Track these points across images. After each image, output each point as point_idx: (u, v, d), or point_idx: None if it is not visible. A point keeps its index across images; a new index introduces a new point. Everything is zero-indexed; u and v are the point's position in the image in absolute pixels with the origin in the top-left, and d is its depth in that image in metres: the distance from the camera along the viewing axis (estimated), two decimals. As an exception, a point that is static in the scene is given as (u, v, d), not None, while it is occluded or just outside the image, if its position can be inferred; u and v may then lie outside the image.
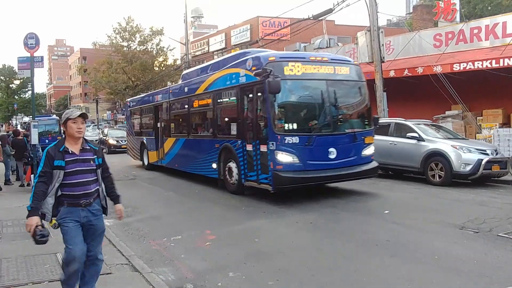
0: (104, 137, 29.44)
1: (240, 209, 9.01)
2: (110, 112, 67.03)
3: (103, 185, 4.00)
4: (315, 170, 8.91)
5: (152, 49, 45.66)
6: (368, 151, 9.76)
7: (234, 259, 5.78)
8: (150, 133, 16.89)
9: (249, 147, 9.57)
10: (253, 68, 9.29)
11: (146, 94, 21.28)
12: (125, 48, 44.94)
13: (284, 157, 8.65)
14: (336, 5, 16.38)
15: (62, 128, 3.93)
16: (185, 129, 13.67)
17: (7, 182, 12.79)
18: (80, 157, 3.80)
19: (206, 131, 12.28)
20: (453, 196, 9.38)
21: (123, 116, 60.16)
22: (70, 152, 3.76)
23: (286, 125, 8.90)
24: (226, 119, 11.20)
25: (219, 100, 11.34)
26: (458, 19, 18.03)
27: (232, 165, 10.30)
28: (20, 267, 5.28)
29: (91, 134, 35.66)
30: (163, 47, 45.50)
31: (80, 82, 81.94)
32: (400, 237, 6.45)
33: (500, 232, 6.40)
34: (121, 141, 26.81)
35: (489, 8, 27.36)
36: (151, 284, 4.69)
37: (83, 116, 3.88)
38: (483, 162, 10.53)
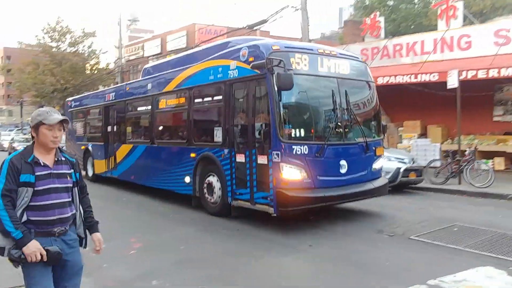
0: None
1: (240, 239, 6.92)
2: (36, 115, 63.04)
3: (80, 209, 3.13)
4: (326, 188, 7.17)
5: (83, 51, 43.82)
6: (379, 164, 8.24)
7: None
8: (97, 138, 14.25)
9: (240, 158, 7.65)
10: (250, 59, 7.38)
11: (92, 92, 18.55)
12: (54, 49, 42.73)
13: (291, 172, 6.82)
14: (270, 16, 16.95)
15: (31, 132, 2.92)
16: (146, 135, 11.29)
17: None
18: (54, 171, 2.89)
19: (177, 137, 10.04)
20: (375, 202, 9.85)
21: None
22: (42, 164, 2.84)
23: (294, 131, 7.07)
24: (207, 122, 9.18)
25: (197, 99, 9.23)
26: (382, 35, 18.92)
27: (213, 179, 8.26)
28: None
29: (19, 139, 31.25)
30: (95, 50, 43.94)
31: (2, 83, 76.67)
32: (321, 240, 6.68)
33: (412, 235, 6.76)
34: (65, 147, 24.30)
35: (412, 27, 29.37)
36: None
37: (64, 122, 2.95)
38: (401, 170, 11.03)
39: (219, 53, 8.59)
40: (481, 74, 12.92)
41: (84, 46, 42.69)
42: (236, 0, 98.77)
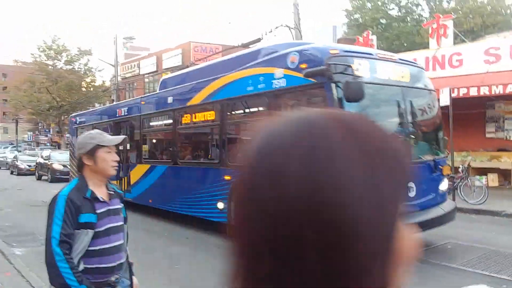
0: (46, 161, 22.96)
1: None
2: (31, 133, 63.03)
3: (127, 250, 2.58)
4: None
5: (79, 69, 43.96)
6: (445, 185, 7.22)
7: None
8: None
9: None
10: (302, 66, 6.30)
11: (102, 107, 17.57)
12: (50, 67, 42.89)
13: None
14: (264, 35, 17.18)
15: (83, 160, 2.35)
16: (167, 154, 10.04)
17: None
18: (112, 207, 2.38)
19: (206, 157, 8.88)
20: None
21: (46, 138, 57.02)
22: (101, 199, 2.33)
23: None
24: (246, 140, 8.86)
25: (231, 113, 8.08)
26: (375, 53, 19.34)
27: None
28: None
29: (24, 158, 28.76)
30: (91, 68, 44.15)
31: (-2, 101, 76.58)
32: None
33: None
34: (69, 166, 21.12)
35: (405, 44, 29.76)
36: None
37: (123, 143, 2.54)
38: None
39: (258, 60, 7.43)
40: (473, 92, 12.97)
41: (80, 64, 42.94)
42: (230, 19, 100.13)
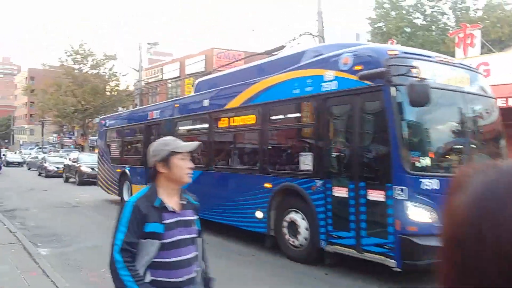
0: (74, 163, 22.50)
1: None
2: (56, 135, 64.47)
3: (203, 264, 2.41)
4: None
5: (104, 73, 44.90)
6: None
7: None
8: (136, 161, 12.30)
9: (341, 192, 5.96)
10: (357, 68, 5.80)
11: (133, 110, 16.79)
12: (76, 71, 43.87)
13: (420, 213, 5.23)
14: (288, 43, 17.21)
15: (157, 168, 2.24)
16: (201, 158, 9.38)
17: None
18: (182, 218, 2.23)
19: (245, 163, 8.32)
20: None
21: (70, 140, 58.16)
22: (171, 209, 2.19)
23: (423, 159, 5.44)
24: (289, 146, 7.53)
25: (274, 118, 7.58)
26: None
27: (297, 217, 6.58)
28: None
29: (52, 159, 28.10)
30: (116, 72, 44.95)
31: (25, 103, 78.53)
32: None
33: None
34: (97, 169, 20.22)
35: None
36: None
37: (197, 149, 2.42)
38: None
39: (304, 62, 6.95)
40: (501, 103, 12.80)
41: (105, 69, 43.83)
42: (253, 27, 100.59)
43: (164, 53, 72.16)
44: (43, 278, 5.66)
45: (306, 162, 6.64)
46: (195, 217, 2.34)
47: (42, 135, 57.23)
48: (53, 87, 43.05)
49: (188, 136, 10.41)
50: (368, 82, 5.69)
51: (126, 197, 12.64)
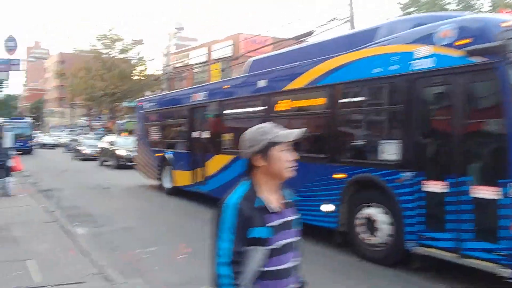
0: (110, 147, 22.11)
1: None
2: (85, 118, 66.04)
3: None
4: None
5: (132, 57, 45.59)
6: None
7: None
8: (178, 145, 11.83)
9: (437, 187, 5.20)
10: (461, 42, 5.01)
11: (173, 91, 16.18)
12: (105, 55, 44.83)
13: None
14: (317, 28, 17.00)
15: (253, 160, 1.91)
16: None
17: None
18: (286, 219, 1.91)
19: (310, 150, 7.26)
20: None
21: (99, 123, 59.39)
22: (274, 210, 1.87)
23: None
24: (367, 132, 6.60)
25: (347, 100, 6.72)
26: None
27: (376, 212, 5.87)
28: None
29: (87, 142, 28.20)
30: (144, 57, 45.51)
31: (56, 86, 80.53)
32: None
33: None
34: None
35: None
36: (125, 296, 4.34)
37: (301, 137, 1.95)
38: None
39: (385, 38, 6.12)
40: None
41: (133, 53, 44.46)
42: (281, 12, 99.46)
43: (189, 38, 72.26)
44: (81, 257, 5.89)
45: (389, 150, 5.77)
46: (295, 216, 2.00)
47: (72, 118, 58.61)
48: (82, 71, 43.89)
49: (238, 120, 9.83)
50: (477, 59, 4.88)
51: (166, 183, 12.31)
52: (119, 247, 6.82)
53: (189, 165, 10.99)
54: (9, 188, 10.91)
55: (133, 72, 44.21)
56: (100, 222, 8.66)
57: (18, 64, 12.77)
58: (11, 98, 58.21)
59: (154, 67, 44.49)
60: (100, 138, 29.32)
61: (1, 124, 22.92)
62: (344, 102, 6.75)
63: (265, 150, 1.89)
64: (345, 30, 17.34)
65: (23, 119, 36.09)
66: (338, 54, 6.75)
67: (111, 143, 22.38)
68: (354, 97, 6.70)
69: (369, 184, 6.14)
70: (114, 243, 7.09)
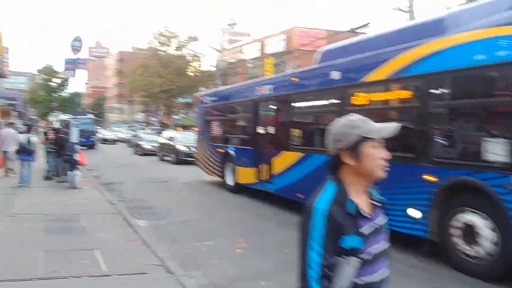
0: (170, 142, 22.16)
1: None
2: (143, 114, 68.66)
3: None
4: None
5: (187, 54, 46.73)
6: None
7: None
8: (241, 141, 11.37)
9: None
10: None
11: (237, 85, 15.07)
12: (161, 53, 46.29)
13: None
14: (374, 18, 16.53)
15: (341, 157, 1.69)
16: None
17: (47, 178, 13.39)
18: (377, 224, 1.70)
19: (394, 148, 5.99)
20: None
21: (156, 119, 61.54)
22: (366, 214, 1.65)
23: None
24: (466, 129, 5.86)
25: (440, 91, 5.88)
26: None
27: (477, 219, 5.20)
28: (61, 261, 5.27)
29: (148, 137, 28.79)
30: (198, 53, 46.51)
31: (116, 84, 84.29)
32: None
33: None
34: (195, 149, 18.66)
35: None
36: (185, 287, 4.63)
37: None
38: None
39: (492, 20, 5.19)
40: None
41: (188, 50, 45.52)
42: (337, 5, 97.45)
43: (242, 34, 72.74)
44: (144, 248, 6.08)
45: (497, 151, 5.04)
46: (385, 220, 1.77)
47: (131, 114, 61.02)
48: (141, 68, 45.53)
49: (309, 115, 9.33)
50: None
51: (229, 180, 11.89)
52: (178, 240, 6.95)
53: (254, 162, 10.54)
54: (76, 181, 11.50)
55: (188, 68, 45.24)
56: (160, 215, 8.93)
57: (84, 63, 13.40)
58: (75, 95, 61.53)
59: (208, 62, 45.32)
60: (157, 133, 30.06)
61: (69, 120, 24.22)
62: (438, 94, 5.92)
63: (355, 146, 1.66)
64: (403, 21, 16.74)
65: (86, 115, 37.96)
66: (427, 40, 5.99)
67: (171, 138, 22.48)
68: (451, 88, 5.82)
69: (467, 188, 5.45)
70: (174, 235, 7.25)
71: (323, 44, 28.54)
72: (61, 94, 66.56)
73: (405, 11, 17.97)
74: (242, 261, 5.91)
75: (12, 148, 12.50)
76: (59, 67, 56.88)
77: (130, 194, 11.46)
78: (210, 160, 13.14)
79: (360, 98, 7.21)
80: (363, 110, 6.96)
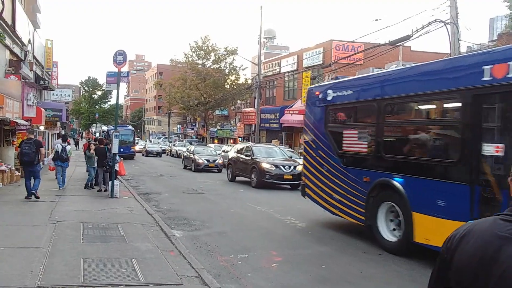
0: (247, 157, 17.69)
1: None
2: (180, 126, 69.95)
3: None
4: None
5: (225, 67, 47.35)
6: None
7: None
8: (423, 166, 6.77)
9: None
10: None
11: (386, 71, 9.61)
12: (199, 66, 47.14)
13: None
14: (415, 32, 16.08)
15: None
16: None
17: (88, 186, 13.89)
18: None
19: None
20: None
21: (192, 131, 62.51)
22: None
23: None
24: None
25: None
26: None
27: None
28: (100, 269, 5.39)
29: (207, 151, 25.73)
30: (236, 66, 47.02)
31: (155, 96, 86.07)
32: None
33: None
34: (286, 167, 16.23)
35: None
36: (220, 299, 4.56)
37: None
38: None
39: None
40: None
41: (225, 63, 46.17)
42: (378, 16, 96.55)
43: (280, 47, 73.18)
44: (180, 258, 6.15)
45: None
46: None
47: (169, 126, 62.26)
48: (179, 81, 46.54)
49: None
50: None
51: (384, 231, 7.43)
52: (214, 251, 7.00)
53: (461, 207, 5.95)
54: (116, 190, 11.81)
55: (226, 81, 45.87)
56: (195, 226, 9.01)
57: (127, 77, 13.90)
58: (116, 108, 63.61)
59: (246, 75, 45.71)
60: (204, 145, 28.75)
61: (111, 131, 24.99)
62: None
63: None
64: (442, 33, 16.26)
65: (126, 126, 39.03)
66: None
67: (248, 152, 18.27)
68: None
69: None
70: (209, 246, 7.29)
71: (360, 57, 28.01)
72: (103, 105, 68.70)
73: (448, 23, 17.47)
74: (277, 275, 5.88)
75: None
76: (102, 79, 58.90)
77: (166, 204, 11.68)
78: (339, 192, 8.54)
79: None
80: None
